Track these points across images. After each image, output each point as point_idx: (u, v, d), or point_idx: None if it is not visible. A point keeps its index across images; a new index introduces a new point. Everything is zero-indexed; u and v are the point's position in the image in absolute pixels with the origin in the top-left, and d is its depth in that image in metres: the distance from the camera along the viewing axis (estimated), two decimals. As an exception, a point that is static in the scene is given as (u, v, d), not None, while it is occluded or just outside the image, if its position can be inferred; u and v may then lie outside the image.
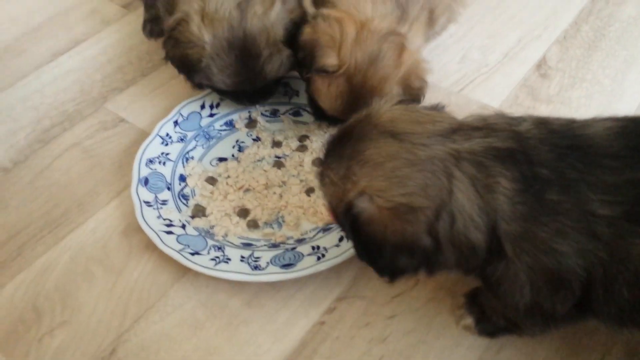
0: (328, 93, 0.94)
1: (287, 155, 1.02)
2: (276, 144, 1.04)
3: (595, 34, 1.23)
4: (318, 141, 1.03)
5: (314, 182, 0.97)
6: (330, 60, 0.91)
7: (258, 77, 0.98)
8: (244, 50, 0.95)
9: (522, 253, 0.63)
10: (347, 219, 0.66)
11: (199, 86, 1.03)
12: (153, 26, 1.25)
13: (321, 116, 1.01)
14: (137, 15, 1.32)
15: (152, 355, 0.81)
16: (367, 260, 0.70)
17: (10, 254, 0.93)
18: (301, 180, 0.98)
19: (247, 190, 0.98)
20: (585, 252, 0.61)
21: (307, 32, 0.94)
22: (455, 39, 1.21)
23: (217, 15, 0.93)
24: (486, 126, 0.67)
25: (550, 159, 0.63)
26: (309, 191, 0.96)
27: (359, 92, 0.92)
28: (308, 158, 1.01)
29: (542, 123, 0.67)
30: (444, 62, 1.18)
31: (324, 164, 0.71)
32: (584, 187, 0.61)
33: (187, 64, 0.98)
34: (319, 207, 0.94)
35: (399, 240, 0.64)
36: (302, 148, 1.03)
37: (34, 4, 1.40)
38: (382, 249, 0.65)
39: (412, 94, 0.94)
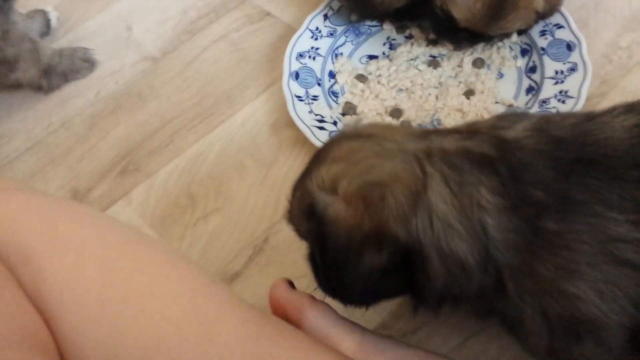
0: None
1: (444, 55, 0.95)
2: (431, 42, 0.97)
3: None
4: (479, 40, 0.95)
5: (475, 85, 0.90)
6: None
7: (366, 7, 0.92)
8: None
9: (524, 293, 0.50)
10: (312, 226, 0.55)
11: None
12: None
13: (444, 32, 0.91)
14: None
15: (302, 247, 0.80)
16: (334, 283, 0.57)
17: (163, 140, 0.94)
18: (460, 82, 0.91)
19: (400, 90, 0.92)
20: (617, 294, 0.48)
21: None
22: None
23: None
24: (468, 129, 0.55)
25: (547, 179, 0.49)
26: (469, 93, 0.89)
27: None
28: (468, 58, 0.93)
29: (543, 129, 0.52)
30: (626, -42, 1.04)
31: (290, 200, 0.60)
32: (602, 208, 0.48)
33: None
34: (480, 111, 0.87)
35: (369, 229, 0.51)
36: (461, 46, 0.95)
37: None
38: (351, 254, 0.52)
39: (551, 6, 0.84)
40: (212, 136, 0.93)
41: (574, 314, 0.49)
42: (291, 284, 0.63)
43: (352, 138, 0.57)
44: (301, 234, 0.60)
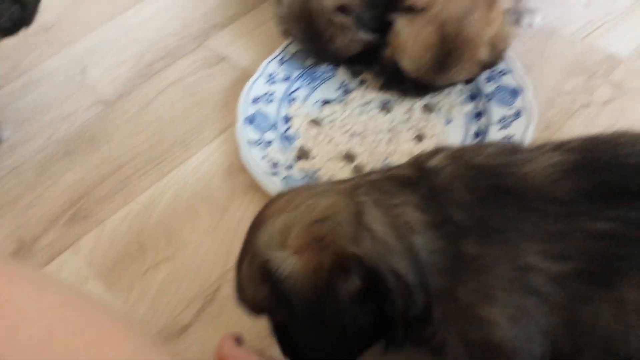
0: (415, 45, 0.86)
1: (396, 100, 0.97)
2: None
3: None
4: (429, 86, 0.97)
5: (425, 130, 0.92)
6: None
7: (323, 54, 0.95)
8: (308, 26, 0.92)
9: (447, 318, 0.51)
10: (270, 288, 0.54)
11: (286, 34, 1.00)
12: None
13: (393, 81, 0.94)
14: (239, -50, 1.27)
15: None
16: (314, 341, 0.55)
17: (115, 186, 0.93)
18: (411, 127, 0.93)
19: (353, 134, 0.93)
20: (527, 321, 0.49)
21: None
22: (580, -19, 1.11)
23: None
24: (390, 167, 0.61)
25: (467, 202, 0.52)
26: (419, 138, 0.91)
27: (451, 46, 0.84)
28: (418, 103, 0.95)
29: (459, 157, 0.56)
30: (568, 5, 1.08)
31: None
32: (516, 236, 0.50)
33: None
34: (430, 156, 0.89)
35: (331, 262, 0.52)
36: (412, 93, 0.97)
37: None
38: (324, 296, 0.52)
39: (496, 56, 0.88)
40: (165, 181, 0.92)
41: (489, 339, 0.51)
42: (239, 340, 0.62)
43: (283, 194, 0.60)
44: (258, 306, 0.60)
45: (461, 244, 0.51)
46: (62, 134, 1.01)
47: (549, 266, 0.49)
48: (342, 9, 0.90)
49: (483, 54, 0.85)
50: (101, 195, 0.91)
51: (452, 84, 0.92)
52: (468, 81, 0.94)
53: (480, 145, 0.59)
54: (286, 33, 0.98)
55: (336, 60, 0.98)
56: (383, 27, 0.92)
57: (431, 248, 0.52)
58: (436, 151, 0.59)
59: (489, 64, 0.88)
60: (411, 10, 0.86)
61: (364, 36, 0.92)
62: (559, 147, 0.55)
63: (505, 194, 0.52)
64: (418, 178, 0.55)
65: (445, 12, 0.83)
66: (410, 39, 0.86)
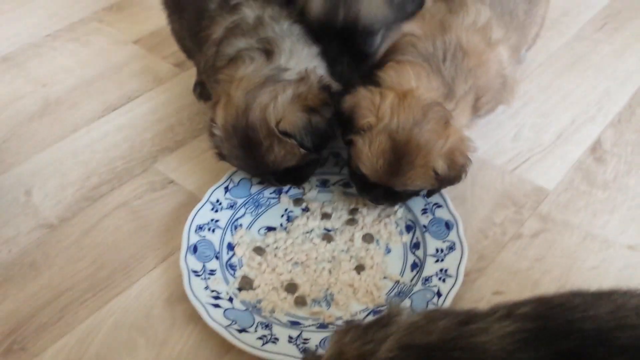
0: (369, 153, 0.91)
1: (337, 229, 1.00)
2: (325, 216, 1.02)
3: (650, 118, 1.21)
4: (369, 215, 1.01)
5: (365, 260, 0.95)
6: (367, 120, 0.91)
7: (260, 166, 0.97)
8: (245, 138, 0.94)
9: None
10: None
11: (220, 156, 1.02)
12: (203, 89, 1.26)
13: (363, 188, 0.99)
14: (189, 75, 1.33)
15: None
16: None
17: (53, 316, 0.91)
18: (351, 257, 0.96)
19: (296, 263, 0.96)
20: None
21: (347, 99, 0.95)
22: (508, 115, 1.20)
23: (232, 100, 0.95)
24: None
25: None
26: (360, 269, 0.94)
27: (402, 151, 0.90)
28: (358, 233, 0.99)
29: (408, 345, 0.56)
30: (498, 138, 1.17)
31: None
32: None
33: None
34: (369, 287, 0.91)
35: None
36: (352, 222, 1.01)
37: (87, 58, 1.43)
38: None
39: (456, 170, 0.93)
40: (105, 311, 0.91)
41: None
42: None
43: None
44: None
45: None
46: (1, 258, 0.99)
47: None
48: (284, 133, 0.94)
49: (438, 164, 0.90)
50: (39, 325, 0.89)
51: (412, 190, 0.96)
52: (430, 192, 0.98)
53: (432, 318, 0.58)
54: (220, 155, 1.00)
55: (272, 170, 0.99)
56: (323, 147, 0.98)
57: None
58: (383, 334, 0.58)
59: (449, 178, 0.93)
60: (363, 130, 0.92)
61: (303, 151, 0.95)
62: (511, 313, 0.56)
63: None
64: None
65: (394, 123, 0.89)
66: (365, 147, 0.91)
